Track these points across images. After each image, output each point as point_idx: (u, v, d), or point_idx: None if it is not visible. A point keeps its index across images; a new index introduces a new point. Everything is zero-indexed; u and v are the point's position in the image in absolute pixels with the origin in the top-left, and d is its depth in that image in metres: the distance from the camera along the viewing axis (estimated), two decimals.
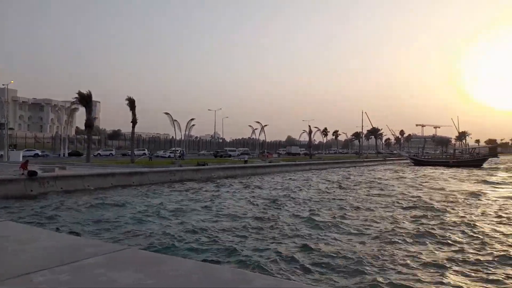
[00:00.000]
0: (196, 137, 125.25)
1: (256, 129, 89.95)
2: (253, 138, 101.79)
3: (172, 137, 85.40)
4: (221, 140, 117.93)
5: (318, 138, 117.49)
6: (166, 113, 55.52)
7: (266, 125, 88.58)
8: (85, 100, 39.31)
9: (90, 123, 40.66)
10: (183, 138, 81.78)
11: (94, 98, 41.96)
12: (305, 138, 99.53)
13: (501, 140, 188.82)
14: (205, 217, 14.73)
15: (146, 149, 67.77)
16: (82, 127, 49.86)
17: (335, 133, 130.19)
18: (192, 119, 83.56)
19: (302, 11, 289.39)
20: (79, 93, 39.05)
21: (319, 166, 51.62)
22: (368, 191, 24.71)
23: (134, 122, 39.40)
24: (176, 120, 71.82)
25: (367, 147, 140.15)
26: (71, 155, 55.19)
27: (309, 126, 76.27)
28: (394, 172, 46.81)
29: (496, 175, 41.86)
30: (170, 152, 63.50)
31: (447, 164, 63.50)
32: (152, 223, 13.44)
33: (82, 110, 45.31)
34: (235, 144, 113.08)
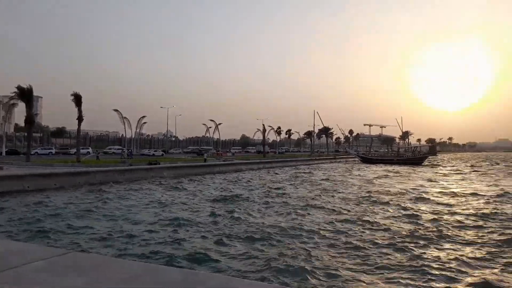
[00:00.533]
0: (148, 135, 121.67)
1: (210, 127, 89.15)
2: (207, 136, 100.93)
3: (122, 135, 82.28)
4: (173, 139, 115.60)
5: (272, 136, 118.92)
6: (116, 110, 53.44)
7: (220, 124, 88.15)
8: (25, 95, 36.70)
9: (30, 119, 38.00)
10: (133, 136, 78.82)
11: (35, 93, 39.30)
12: (259, 136, 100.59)
13: (440, 139, 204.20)
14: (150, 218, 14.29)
15: (90, 147, 64.72)
16: (22, 124, 46.40)
17: (288, 132, 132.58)
18: (143, 117, 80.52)
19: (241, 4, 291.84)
20: (19, 87, 36.36)
21: (273, 164, 52.49)
22: (318, 186, 25.46)
23: (80, 119, 37.43)
24: (126, 118, 68.88)
25: (319, 146, 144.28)
26: (9, 154, 51.48)
27: (263, 125, 77.19)
28: (344, 169, 48.82)
29: (433, 172, 45.11)
30: (117, 149, 61.31)
31: (392, 162, 67.31)
32: (95, 223, 12.87)
33: (22, 106, 42.29)
34: (189, 143, 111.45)
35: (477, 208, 16.81)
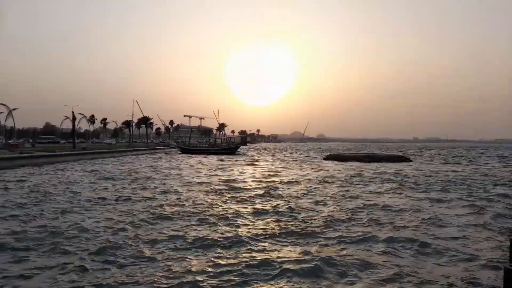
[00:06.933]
0: None
1: (1, 113, 73.46)
2: None
3: None
4: None
5: (84, 126, 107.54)
6: None
7: (15, 109, 73.76)
8: None
9: None
10: None
11: None
12: (68, 125, 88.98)
13: (250, 131, 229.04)
14: None
15: None
16: None
17: (104, 121, 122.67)
18: None
19: None
20: None
21: (86, 156, 47.40)
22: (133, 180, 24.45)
23: None
24: None
25: (138, 136, 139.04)
26: None
27: (73, 112, 68.52)
28: (158, 159, 48.57)
29: (240, 160, 50.17)
30: None
31: (209, 152, 71.31)
32: None
33: None
34: None
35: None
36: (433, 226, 11.45)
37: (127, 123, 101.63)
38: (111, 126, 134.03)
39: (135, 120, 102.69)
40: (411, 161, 47.93)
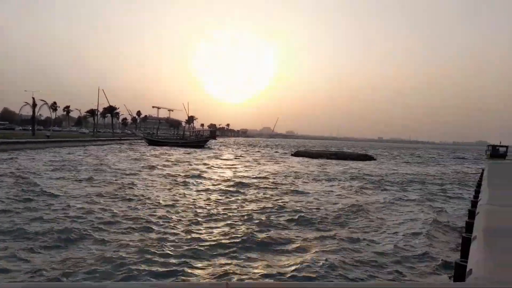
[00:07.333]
0: None
1: None
2: None
3: None
4: None
5: (46, 113, 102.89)
6: None
7: None
8: None
9: None
10: None
11: None
12: (28, 112, 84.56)
13: (219, 125, 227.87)
14: None
15: None
16: None
17: (67, 108, 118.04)
18: None
19: None
20: None
21: (46, 144, 45.32)
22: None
23: None
24: None
25: (103, 125, 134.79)
26: None
27: (33, 98, 65.16)
28: (119, 151, 47.28)
29: (208, 154, 49.82)
30: None
31: (177, 144, 70.18)
32: None
33: None
34: None
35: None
36: (389, 224, 11.86)
37: (92, 112, 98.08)
38: (74, 114, 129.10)
39: (101, 110, 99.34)
40: (374, 159, 49.50)
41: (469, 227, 6.22)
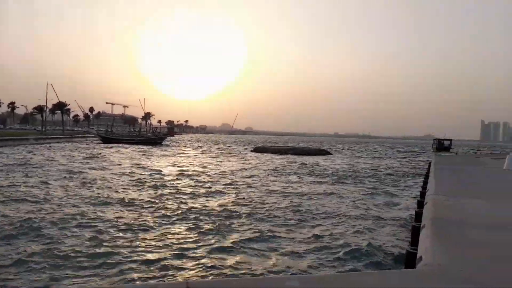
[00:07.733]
0: None
1: None
2: None
3: None
4: None
5: None
6: None
7: None
8: None
9: None
10: None
11: None
12: None
13: (178, 121, 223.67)
14: None
15: None
16: None
17: (12, 104, 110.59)
18: None
19: None
20: None
21: None
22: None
23: None
24: None
25: (53, 123, 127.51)
26: None
27: None
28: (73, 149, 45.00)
29: (164, 151, 48.78)
30: None
31: (133, 141, 67.84)
32: None
33: None
34: None
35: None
36: (344, 217, 12.21)
37: (40, 108, 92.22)
38: (20, 111, 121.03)
39: (49, 106, 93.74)
40: (331, 154, 50.94)
41: (418, 216, 6.51)
